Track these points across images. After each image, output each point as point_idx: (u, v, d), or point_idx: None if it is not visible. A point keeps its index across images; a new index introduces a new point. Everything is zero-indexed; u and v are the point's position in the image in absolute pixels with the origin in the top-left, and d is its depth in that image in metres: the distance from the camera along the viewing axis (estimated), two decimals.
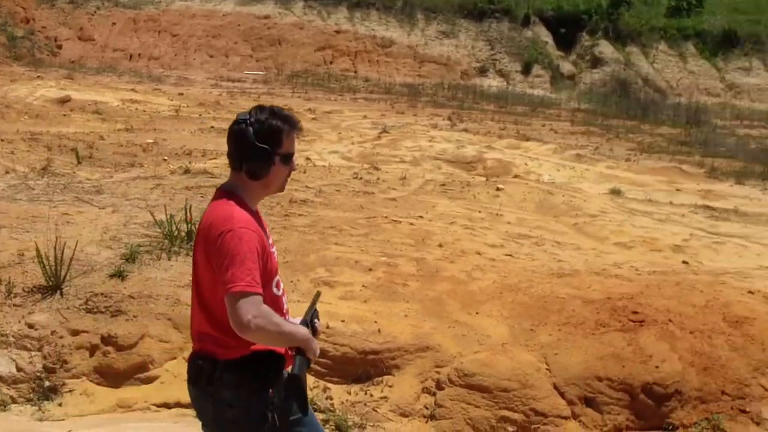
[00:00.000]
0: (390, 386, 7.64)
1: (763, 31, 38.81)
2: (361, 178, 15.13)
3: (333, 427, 7.19)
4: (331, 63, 35.22)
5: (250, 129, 4.09)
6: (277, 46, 35.40)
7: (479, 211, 13.06)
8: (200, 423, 4.38)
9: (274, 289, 4.29)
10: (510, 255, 10.51)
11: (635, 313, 8.17)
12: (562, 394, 7.39)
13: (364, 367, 7.73)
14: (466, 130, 22.91)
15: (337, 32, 36.31)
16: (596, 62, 37.19)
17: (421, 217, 12.11)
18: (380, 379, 7.66)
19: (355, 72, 34.89)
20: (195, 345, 4.28)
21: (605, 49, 37.47)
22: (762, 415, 7.67)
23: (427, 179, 15.39)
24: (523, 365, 7.50)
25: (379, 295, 8.65)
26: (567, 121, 27.46)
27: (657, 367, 7.55)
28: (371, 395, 7.58)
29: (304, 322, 4.35)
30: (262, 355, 4.13)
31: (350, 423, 7.25)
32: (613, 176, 18.75)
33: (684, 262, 11.41)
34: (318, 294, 4.73)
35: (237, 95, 27.12)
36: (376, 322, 8.09)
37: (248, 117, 4.14)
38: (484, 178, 16.12)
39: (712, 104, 34.82)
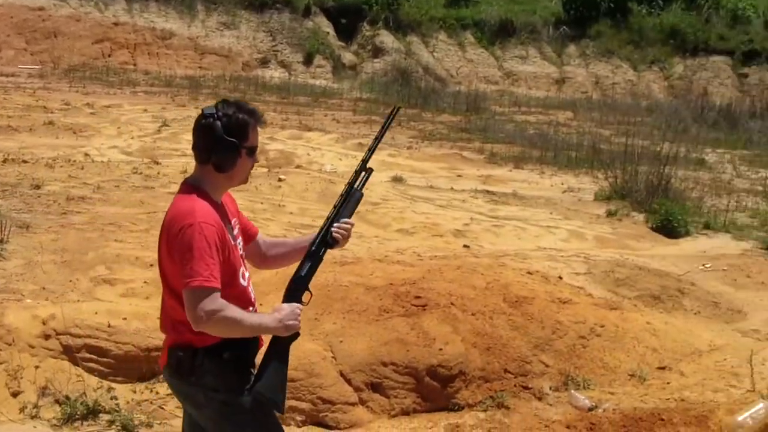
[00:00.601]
0: None
1: (538, 21, 40.05)
2: (141, 173, 14.79)
3: (119, 428, 6.97)
4: (109, 56, 34.23)
5: (218, 123, 4.15)
6: (53, 38, 34.14)
7: (261, 203, 12.96)
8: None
9: (241, 281, 4.37)
10: None
11: (418, 297, 8.27)
12: (348, 381, 7.40)
13: (148, 365, 7.51)
14: None
15: (116, 24, 35.28)
16: (377, 52, 37.52)
17: None
18: None
19: (135, 65, 34.05)
20: (171, 336, 4.35)
21: (386, 39, 37.84)
22: (543, 390, 7.90)
23: None
24: (308, 354, 7.46)
25: (161, 292, 8.45)
26: (349, 110, 27.62)
27: (441, 349, 7.67)
28: (157, 393, 7.39)
29: (309, 253, 4.48)
30: (236, 338, 4.22)
31: (137, 422, 7.03)
32: (395, 164, 18.93)
33: (465, 246, 11.66)
34: (396, 110, 4.73)
35: (11, 90, 25.95)
36: (158, 318, 7.87)
37: (215, 111, 4.19)
38: (266, 170, 15.98)
39: (491, 92, 35.70)
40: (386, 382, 7.47)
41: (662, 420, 6.27)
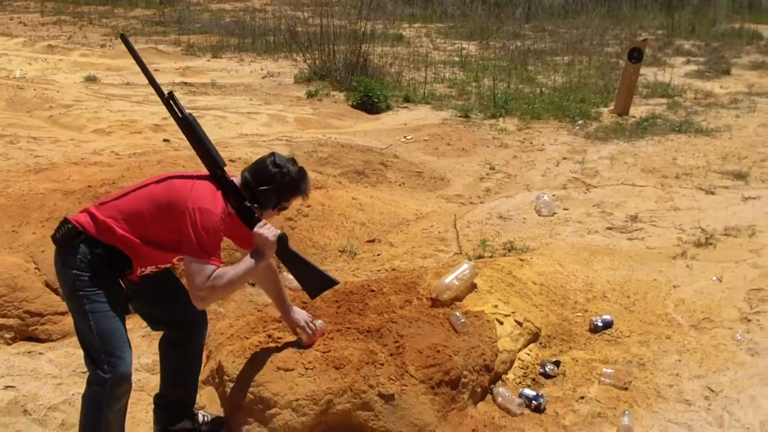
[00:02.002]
0: None
1: None
2: None
3: None
4: None
5: (281, 177, 4.61)
6: None
7: None
8: None
9: None
10: None
11: None
12: (55, 291, 7.10)
13: None
14: None
15: None
16: None
17: None
18: None
19: None
20: (81, 214, 4.63)
21: None
22: None
23: None
24: (9, 268, 7.10)
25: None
26: (36, 12, 26.43)
27: None
28: None
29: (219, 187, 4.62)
30: (118, 253, 4.55)
31: None
32: (88, 63, 18.33)
33: (165, 140, 11.40)
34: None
35: None
36: None
37: (285, 165, 4.64)
38: None
39: None
40: None
41: (372, 291, 6.32)
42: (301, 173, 4.70)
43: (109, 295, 4.58)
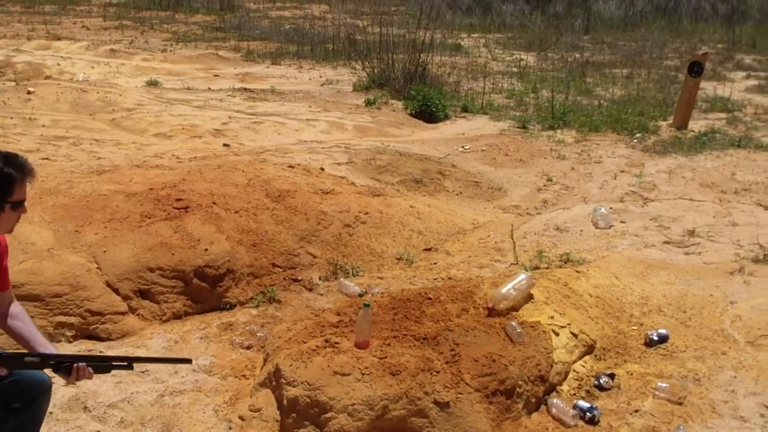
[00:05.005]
0: None
1: None
2: None
3: None
4: None
5: None
6: None
7: (11, 117, 12.36)
8: None
9: None
10: (47, 158, 10.05)
11: (179, 200, 8.08)
12: (116, 291, 7.17)
13: None
14: None
15: None
16: None
17: None
18: None
19: None
20: None
21: None
22: (313, 281, 7.90)
23: None
24: (72, 268, 7.18)
25: None
26: (99, 17, 26.74)
27: (206, 249, 7.53)
28: None
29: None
30: None
31: None
32: (150, 68, 18.53)
33: (225, 144, 11.50)
34: None
35: None
36: None
37: None
38: (14, 83, 15.28)
39: None
40: (155, 288, 7.29)
41: (429, 299, 6.36)
42: (7, 158, 4.02)
43: None
